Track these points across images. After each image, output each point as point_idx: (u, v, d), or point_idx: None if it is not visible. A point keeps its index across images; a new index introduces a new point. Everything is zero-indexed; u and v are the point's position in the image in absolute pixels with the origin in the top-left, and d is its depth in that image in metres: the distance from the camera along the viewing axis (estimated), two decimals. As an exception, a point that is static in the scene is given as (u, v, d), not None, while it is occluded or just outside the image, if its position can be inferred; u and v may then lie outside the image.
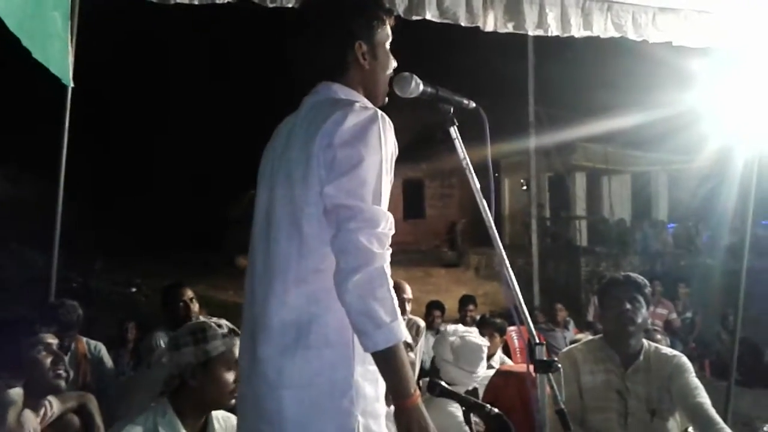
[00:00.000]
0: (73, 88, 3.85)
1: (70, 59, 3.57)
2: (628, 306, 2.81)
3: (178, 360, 2.24)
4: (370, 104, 1.74)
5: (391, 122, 1.67)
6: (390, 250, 1.60)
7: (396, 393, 1.54)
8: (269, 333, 1.64)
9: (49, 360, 2.34)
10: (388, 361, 1.53)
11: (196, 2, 3.78)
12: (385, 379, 1.57)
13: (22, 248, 12.57)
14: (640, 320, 2.83)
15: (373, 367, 1.60)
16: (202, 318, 2.46)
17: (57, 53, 3.35)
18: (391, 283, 1.56)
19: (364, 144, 1.60)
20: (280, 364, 1.62)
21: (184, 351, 2.23)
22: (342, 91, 1.77)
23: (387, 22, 1.84)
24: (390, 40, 1.86)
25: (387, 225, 1.59)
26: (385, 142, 1.63)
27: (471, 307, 7.46)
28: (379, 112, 1.67)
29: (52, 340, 2.38)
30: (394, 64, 1.87)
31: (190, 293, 4.12)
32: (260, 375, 1.64)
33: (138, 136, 19.19)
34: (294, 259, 1.64)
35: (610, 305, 2.87)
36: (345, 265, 1.53)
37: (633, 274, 2.95)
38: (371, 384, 1.66)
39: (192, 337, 2.25)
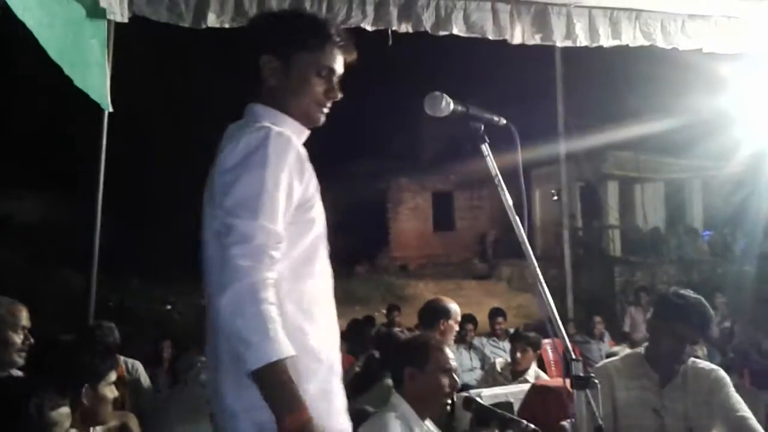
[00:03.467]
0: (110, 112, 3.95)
1: (108, 85, 3.67)
2: (688, 350, 2.71)
3: None
4: (272, 124, 1.69)
5: (289, 138, 1.67)
6: (274, 267, 1.55)
7: (275, 413, 1.46)
8: (220, 359, 1.66)
9: (113, 397, 2.41)
10: (261, 381, 1.46)
11: (227, 25, 3.87)
12: (265, 400, 1.48)
13: (60, 268, 12.83)
14: (689, 356, 2.76)
15: (328, 386, 1.62)
16: None
17: (96, 79, 3.46)
18: (267, 297, 1.50)
19: (245, 163, 1.60)
20: (232, 389, 1.61)
21: None
22: (262, 111, 1.76)
23: (323, 49, 1.77)
24: (327, 68, 1.78)
25: (266, 238, 1.55)
26: (277, 159, 1.61)
27: (500, 319, 7.46)
28: (274, 129, 1.65)
29: (114, 377, 2.44)
30: (335, 94, 1.80)
31: None
32: (220, 400, 1.65)
33: (173, 156, 19.48)
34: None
35: (672, 338, 2.71)
36: (215, 283, 1.53)
37: (708, 315, 2.74)
38: (323, 401, 1.63)
39: None
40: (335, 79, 1.81)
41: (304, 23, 1.78)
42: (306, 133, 1.84)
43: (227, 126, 1.80)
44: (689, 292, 2.81)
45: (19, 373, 2.56)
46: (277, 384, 1.46)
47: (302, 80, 1.76)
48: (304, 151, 1.75)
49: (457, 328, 4.00)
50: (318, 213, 1.77)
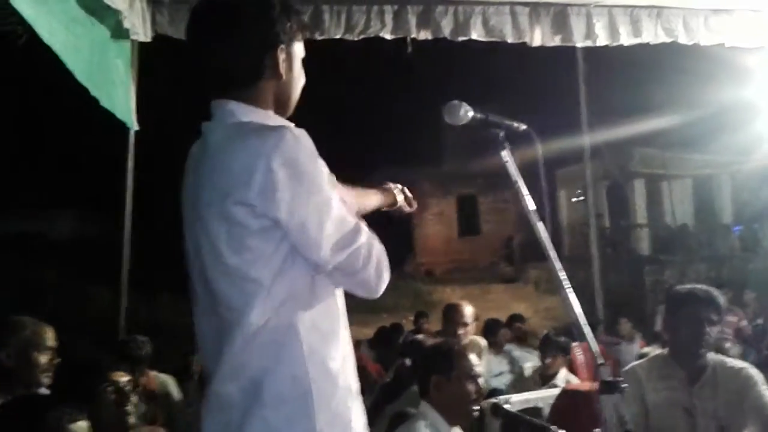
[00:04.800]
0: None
1: (133, 104, 3.74)
2: (708, 329, 2.71)
3: None
4: (272, 120, 1.59)
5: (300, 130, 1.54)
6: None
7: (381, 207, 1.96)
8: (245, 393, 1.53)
9: (113, 398, 2.41)
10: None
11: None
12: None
13: (92, 285, 13.01)
14: (712, 341, 2.75)
15: (342, 408, 1.54)
16: None
17: (121, 99, 3.53)
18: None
19: (296, 183, 1.47)
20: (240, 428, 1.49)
21: None
22: (239, 110, 1.57)
23: (302, 36, 1.70)
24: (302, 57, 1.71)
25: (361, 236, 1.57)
26: (316, 162, 1.52)
27: (518, 324, 7.56)
28: (290, 129, 1.51)
29: (122, 378, 2.45)
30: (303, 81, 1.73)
31: None
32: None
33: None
34: (239, 313, 1.50)
35: (686, 322, 2.75)
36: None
37: (715, 292, 2.81)
38: (336, 427, 1.53)
39: None
40: None
41: (294, 9, 1.67)
42: None
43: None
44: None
45: (47, 393, 2.58)
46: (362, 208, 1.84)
47: (299, 71, 1.69)
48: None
49: (458, 330, 4.31)
50: None
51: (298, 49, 1.68)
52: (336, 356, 1.57)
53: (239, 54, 1.57)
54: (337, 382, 1.56)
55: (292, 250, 1.51)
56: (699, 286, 2.86)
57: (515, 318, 7.67)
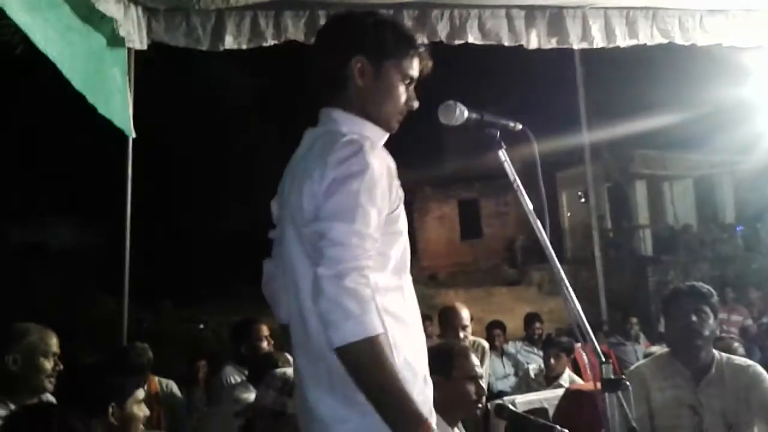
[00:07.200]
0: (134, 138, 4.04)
1: (130, 112, 3.75)
2: (694, 318, 2.68)
3: (259, 397, 2.28)
4: (357, 133, 1.70)
5: (381, 152, 1.68)
6: (369, 262, 1.56)
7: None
8: (314, 370, 1.67)
9: (143, 415, 2.41)
10: (354, 360, 1.49)
11: (244, 46, 3.92)
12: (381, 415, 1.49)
13: (94, 293, 13.04)
14: (707, 333, 2.71)
15: (422, 397, 1.61)
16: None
17: (118, 107, 3.54)
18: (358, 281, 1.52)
19: (339, 178, 1.58)
20: (326, 400, 1.62)
21: (269, 392, 2.28)
22: (341, 119, 1.73)
23: (408, 56, 1.77)
24: (410, 76, 1.78)
25: (361, 241, 1.55)
26: (371, 173, 1.60)
27: (537, 324, 7.34)
28: (366, 143, 1.64)
29: (142, 395, 2.45)
30: (413, 103, 1.80)
31: (265, 330, 3.99)
32: (311, 411, 1.65)
33: (199, 177, 19.70)
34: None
35: (676, 317, 2.76)
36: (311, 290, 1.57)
37: (698, 284, 2.82)
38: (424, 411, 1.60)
39: (281, 383, 2.31)
40: (412, 88, 1.82)
41: (395, 29, 1.78)
42: (385, 137, 1.81)
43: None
44: None
45: (51, 398, 2.59)
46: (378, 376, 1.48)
47: (391, 86, 1.76)
48: (392, 162, 1.73)
49: (460, 333, 4.21)
50: (403, 224, 1.74)
51: (394, 65, 1.75)
52: (411, 345, 1.68)
53: (326, 60, 1.76)
54: (415, 370, 1.66)
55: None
56: (688, 282, 2.89)
57: (533, 318, 7.43)
